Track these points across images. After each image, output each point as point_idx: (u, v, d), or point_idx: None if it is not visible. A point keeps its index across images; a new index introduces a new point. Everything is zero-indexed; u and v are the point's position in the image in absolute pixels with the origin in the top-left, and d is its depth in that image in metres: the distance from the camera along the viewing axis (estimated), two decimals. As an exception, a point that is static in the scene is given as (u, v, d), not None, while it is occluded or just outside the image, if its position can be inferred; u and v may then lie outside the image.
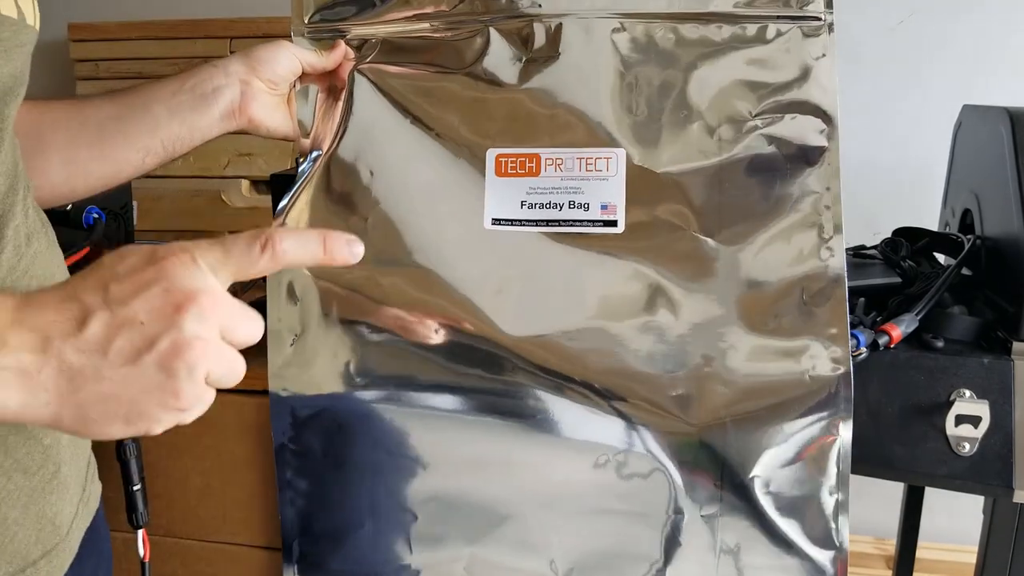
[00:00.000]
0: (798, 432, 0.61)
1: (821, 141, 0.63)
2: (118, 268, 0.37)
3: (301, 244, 0.39)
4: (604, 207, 0.64)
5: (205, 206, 1.34)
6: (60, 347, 0.35)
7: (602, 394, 0.64)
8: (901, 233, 0.87)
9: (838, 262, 0.61)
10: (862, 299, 0.71)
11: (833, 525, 0.62)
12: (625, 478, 0.64)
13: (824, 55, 0.63)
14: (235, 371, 0.39)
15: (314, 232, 0.40)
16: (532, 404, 0.64)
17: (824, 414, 0.61)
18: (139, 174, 0.64)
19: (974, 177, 0.82)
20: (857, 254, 0.87)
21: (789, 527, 0.62)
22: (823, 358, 0.61)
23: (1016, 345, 0.65)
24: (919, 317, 0.68)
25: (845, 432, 0.61)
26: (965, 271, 0.77)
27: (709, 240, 0.63)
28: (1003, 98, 0.90)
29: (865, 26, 1.23)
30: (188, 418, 0.38)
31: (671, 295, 0.63)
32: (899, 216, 0.94)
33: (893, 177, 1.25)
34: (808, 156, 0.63)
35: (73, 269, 0.77)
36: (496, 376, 0.65)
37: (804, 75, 0.63)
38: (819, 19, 0.63)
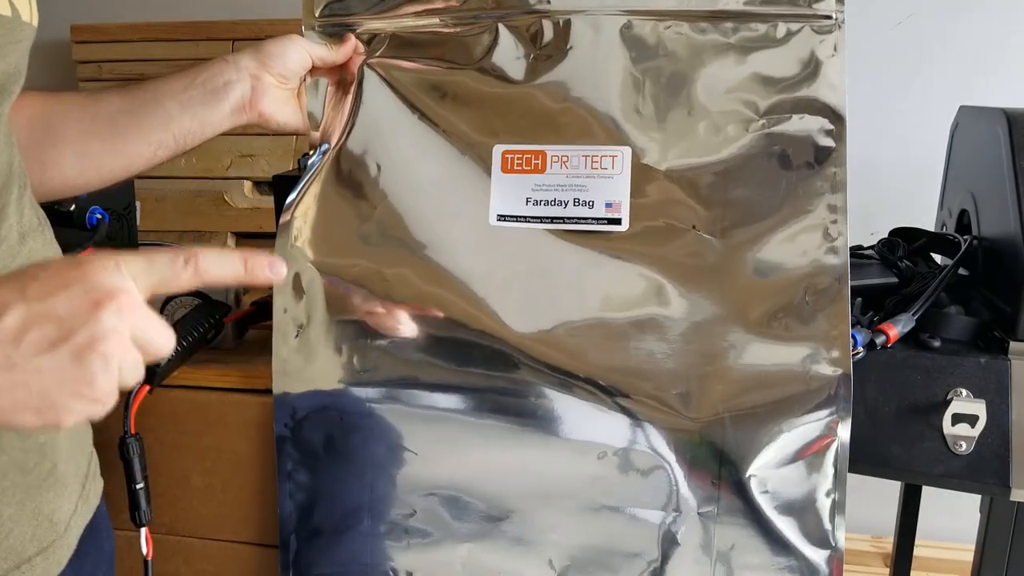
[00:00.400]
0: (796, 432, 0.62)
1: (829, 141, 0.63)
2: (39, 272, 0.38)
3: (222, 261, 0.41)
4: (609, 205, 0.65)
5: (208, 207, 1.35)
6: None
7: (604, 390, 0.64)
8: (898, 233, 0.87)
9: (842, 263, 0.61)
10: (859, 299, 0.72)
11: (829, 526, 0.62)
12: (623, 476, 0.64)
13: (834, 53, 0.63)
14: (136, 375, 0.39)
15: (236, 252, 0.42)
16: (534, 401, 0.65)
17: (823, 415, 0.61)
18: (151, 166, 0.65)
19: (971, 178, 0.82)
20: (854, 254, 0.87)
21: (785, 526, 0.63)
22: (823, 359, 0.61)
23: (1013, 345, 0.66)
24: (916, 317, 0.68)
25: (843, 433, 0.61)
26: (962, 271, 0.78)
27: (713, 239, 0.63)
28: (1001, 99, 0.91)
29: (865, 26, 1.23)
30: (99, 412, 0.38)
31: (674, 293, 0.63)
32: (896, 216, 0.95)
33: (890, 177, 1.26)
34: (816, 156, 0.62)
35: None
36: (498, 372, 0.65)
37: (814, 73, 0.63)
38: (830, 17, 0.63)
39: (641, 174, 0.64)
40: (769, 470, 0.62)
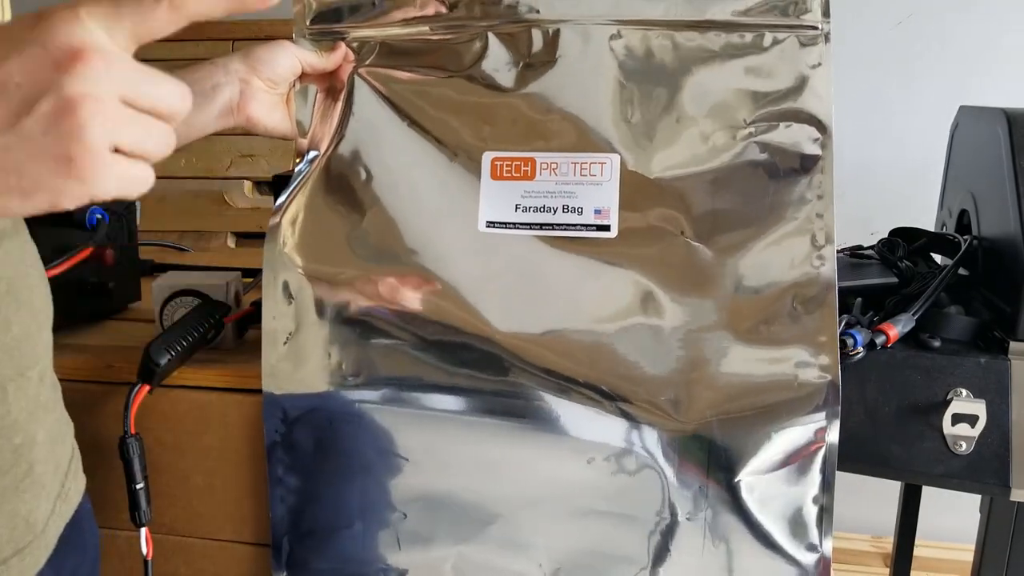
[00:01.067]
0: (785, 438, 0.62)
1: (815, 150, 0.63)
2: None
3: None
4: (597, 212, 0.65)
5: (208, 207, 1.35)
6: None
7: (595, 392, 0.64)
8: (898, 233, 0.87)
9: (829, 270, 0.62)
10: (859, 299, 0.72)
11: (816, 531, 0.63)
12: (614, 480, 0.65)
13: (820, 64, 0.63)
14: (156, 137, 0.35)
15: None
16: (524, 403, 0.65)
17: (811, 421, 0.61)
18: None
19: (971, 178, 0.82)
20: (854, 254, 0.87)
21: (774, 531, 0.63)
22: (812, 365, 0.61)
23: (1013, 345, 0.66)
24: (916, 317, 0.68)
25: (831, 439, 0.62)
26: (962, 271, 0.78)
27: (701, 246, 0.63)
28: (1001, 99, 0.91)
29: (864, 26, 1.23)
30: (98, 189, 0.34)
31: (662, 300, 0.63)
32: (896, 216, 0.95)
33: (890, 177, 1.26)
34: (802, 164, 0.63)
35: (76, 269, 0.78)
36: (488, 376, 0.65)
37: (800, 84, 0.63)
38: (816, 28, 0.64)
39: (630, 181, 0.65)
40: (758, 475, 0.63)
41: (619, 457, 0.64)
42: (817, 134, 0.63)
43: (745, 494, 0.63)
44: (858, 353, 0.65)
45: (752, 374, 0.62)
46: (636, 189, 0.65)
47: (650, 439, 0.64)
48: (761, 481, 0.63)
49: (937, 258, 0.86)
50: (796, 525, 0.63)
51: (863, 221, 0.99)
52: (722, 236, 0.63)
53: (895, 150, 1.27)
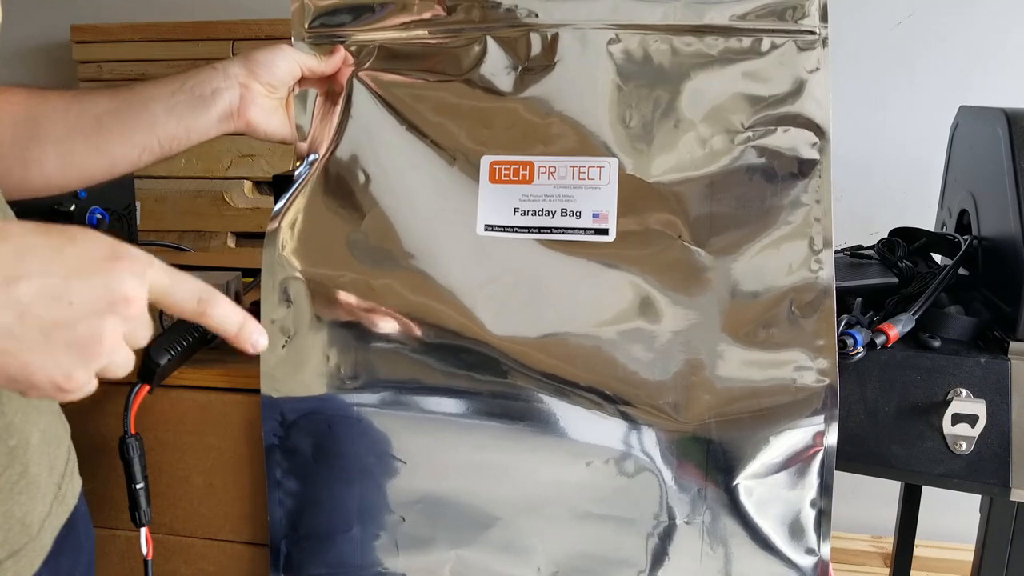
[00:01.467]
0: (783, 442, 0.62)
1: (813, 154, 0.63)
2: (69, 246, 0.38)
3: (227, 318, 0.43)
4: (596, 215, 0.65)
5: (208, 207, 1.35)
6: None
7: (595, 393, 0.64)
8: (898, 233, 0.87)
9: (827, 274, 0.62)
10: (859, 299, 0.71)
11: (815, 535, 0.63)
12: (613, 483, 0.65)
13: (818, 68, 0.64)
14: (128, 366, 0.40)
15: (240, 313, 0.44)
16: (522, 405, 0.65)
17: (809, 425, 0.62)
18: (134, 169, 0.65)
19: (971, 177, 0.82)
20: (854, 254, 0.87)
21: (772, 534, 0.63)
22: (810, 369, 0.61)
23: (1013, 345, 0.66)
24: (916, 317, 0.68)
25: (829, 443, 0.62)
26: (962, 271, 0.78)
27: (699, 250, 0.63)
28: (1001, 99, 0.91)
29: (864, 26, 1.23)
30: (67, 398, 0.39)
31: (660, 304, 0.63)
32: (896, 216, 0.95)
33: (890, 177, 1.26)
34: (800, 169, 0.63)
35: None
36: (486, 378, 0.65)
37: (798, 88, 0.64)
38: (814, 33, 0.64)
39: (628, 185, 0.65)
40: (756, 479, 0.63)
41: (618, 460, 0.64)
42: (815, 139, 0.63)
43: (743, 497, 0.63)
44: (858, 353, 0.65)
45: (750, 378, 0.62)
46: (634, 193, 0.65)
47: (649, 442, 0.64)
48: (759, 485, 0.63)
49: (937, 258, 0.86)
50: (794, 529, 0.63)
51: (863, 221, 0.99)
52: (720, 240, 0.63)
53: (895, 150, 1.27)
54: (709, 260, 0.63)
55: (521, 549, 0.67)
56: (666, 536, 0.64)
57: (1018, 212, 0.67)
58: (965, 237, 0.78)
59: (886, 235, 0.88)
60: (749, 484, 0.63)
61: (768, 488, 0.63)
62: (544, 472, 0.66)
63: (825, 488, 0.62)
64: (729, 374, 0.62)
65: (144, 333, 0.40)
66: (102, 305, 0.37)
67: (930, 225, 0.93)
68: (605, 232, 0.65)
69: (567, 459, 0.65)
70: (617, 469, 0.64)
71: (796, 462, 0.62)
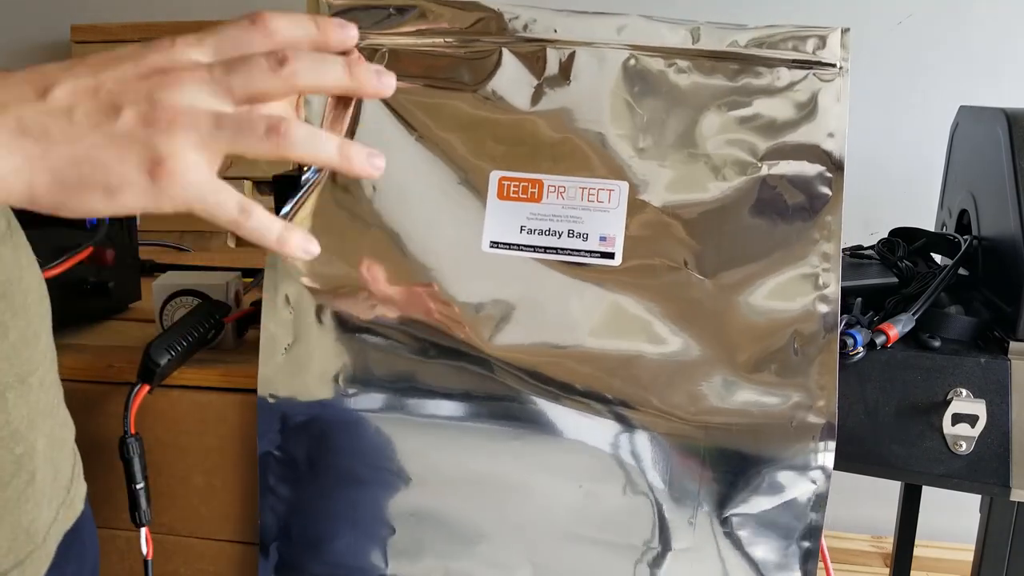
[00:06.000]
0: (776, 478, 0.62)
1: (826, 189, 0.63)
2: (87, 57, 0.35)
3: (323, 70, 0.36)
4: (603, 239, 0.64)
5: (207, 206, 1.34)
6: (18, 111, 0.33)
7: (594, 411, 0.64)
8: (898, 233, 0.87)
9: (832, 312, 0.62)
10: (859, 299, 0.71)
11: (800, 572, 0.63)
12: (605, 507, 0.65)
13: (837, 101, 0.63)
14: (246, 125, 0.35)
15: (335, 139, 0.37)
16: (517, 413, 0.65)
17: (804, 463, 0.62)
18: None
19: (971, 177, 0.82)
20: (854, 254, 0.87)
21: (761, 568, 0.63)
22: (808, 408, 0.61)
23: (1013, 344, 0.66)
24: (916, 317, 0.68)
25: (822, 483, 0.62)
26: (962, 271, 0.78)
27: (705, 280, 0.63)
28: (1000, 99, 0.91)
29: (864, 26, 1.23)
30: (183, 192, 0.35)
31: (662, 331, 0.63)
32: (896, 216, 0.95)
33: (890, 177, 1.26)
34: (812, 203, 0.63)
35: (76, 269, 0.78)
36: (484, 390, 0.65)
37: (815, 122, 0.63)
38: (834, 66, 0.63)
39: (637, 209, 0.64)
40: (748, 512, 0.63)
41: (611, 485, 0.64)
42: (829, 173, 0.63)
43: (734, 530, 0.63)
44: (858, 353, 0.65)
45: (749, 412, 0.62)
46: (643, 218, 0.64)
47: (643, 468, 0.64)
48: (751, 518, 0.63)
49: (937, 258, 0.86)
50: (783, 563, 0.63)
51: (863, 221, 0.99)
52: (726, 271, 0.63)
53: (896, 149, 1.27)
54: (714, 291, 0.63)
55: (511, 566, 0.67)
56: (656, 563, 0.65)
57: (1018, 212, 0.67)
58: (965, 237, 0.78)
59: (886, 235, 0.88)
60: (740, 517, 0.63)
61: (759, 522, 0.63)
62: (538, 491, 0.66)
63: (814, 528, 0.63)
64: (727, 406, 0.62)
65: (227, 76, 0.35)
66: (138, 81, 0.34)
67: (930, 225, 0.93)
68: (611, 256, 0.64)
69: (562, 480, 0.65)
70: (610, 494, 0.64)
71: (788, 498, 0.62)
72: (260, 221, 0.36)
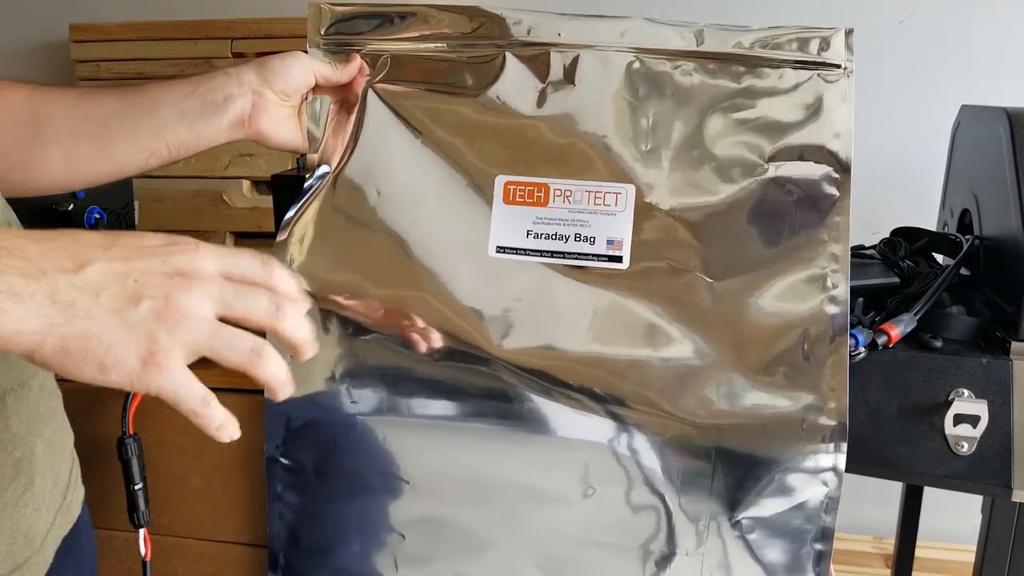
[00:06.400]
0: (788, 480, 0.62)
1: (833, 190, 0.63)
2: (126, 237, 0.40)
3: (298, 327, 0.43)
4: (610, 242, 0.64)
5: (206, 206, 1.34)
6: (55, 280, 0.37)
7: (601, 415, 0.64)
8: (900, 233, 0.87)
9: (841, 313, 0.61)
10: (860, 299, 0.71)
11: (813, 574, 0.63)
12: (613, 511, 0.64)
13: (842, 102, 0.63)
14: (237, 345, 0.41)
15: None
16: (526, 417, 0.64)
17: (816, 466, 0.61)
18: (139, 173, 0.64)
19: (972, 177, 0.82)
20: (856, 254, 0.87)
21: (772, 572, 0.63)
22: (819, 410, 0.61)
23: (1015, 345, 0.65)
24: (917, 317, 0.68)
25: (834, 485, 0.61)
26: (963, 271, 0.78)
27: (713, 283, 0.63)
28: (1002, 98, 0.90)
29: (865, 26, 1.23)
30: (166, 384, 0.39)
31: (671, 334, 0.63)
32: (898, 216, 0.94)
33: (892, 177, 1.25)
34: (818, 204, 0.62)
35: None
36: (492, 394, 0.65)
37: (821, 122, 0.63)
38: (839, 66, 0.63)
39: (644, 212, 0.64)
40: (758, 515, 0.63)
41: (620, 488, 0.64)
42: (836, 174, 0.63)
43: (745, 534, 0.63)
44: (860, 353, 0.65)
45: (759, 414, 0.62)
46: (650, 220, 0.64)
47: (652, 471, 0.63)
48: (762, 521, 0.63)
49: (939, 258, 0.86)
50: (794, 566, 0.63)
51: (864, 221, 0.99)
52: (735, 273, 0.63)
53: (897, 149, 1.27)
54: (722, 293, 0.63)
55: (520, 571, 0.66)
56: (665, 567, 0.64)
57: (1020, 211, 0.67)
58: (967, 237, 0.78)
59: (888, 235, 0.88)
60: (752, 520, 0.63)
61: (771, 525, 0.62)
62: (546, 496, 0.65)
63: (827, 530, 0.62)
64: (737, 408, 0.62)
65: (231, 296, 0.40)
66: (162, 278, 0.39)
67: (932, 225, 0.93)
68: (619, 260, 0.64)
69: (569, 484, 0.64)
70: (619, 497, 0.64)
71: (800, 501, 0.62)
72: (213, 413, 0.42)
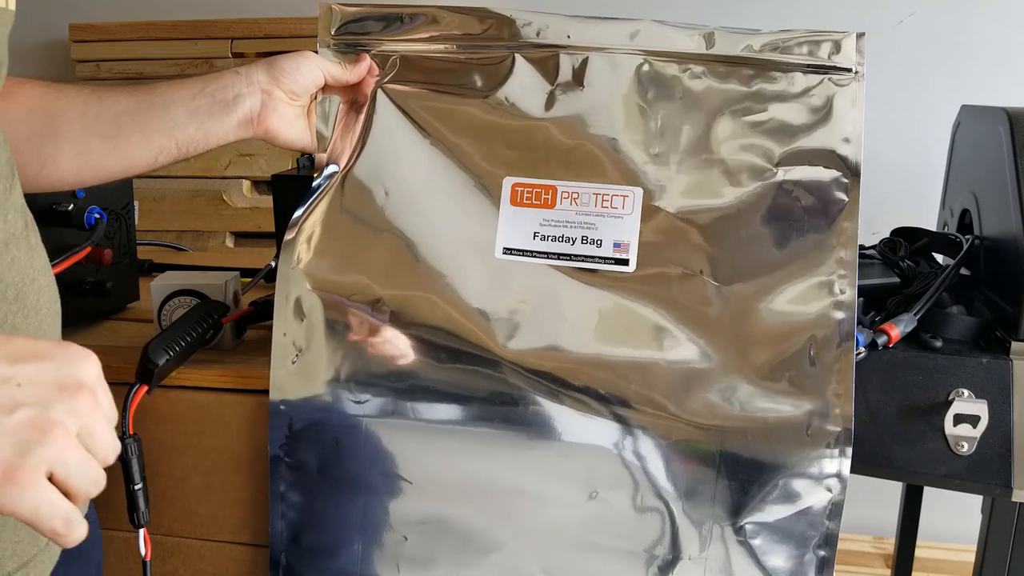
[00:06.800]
0: (792, 486, 0.62)
1: (841, 195, 0.62)
2: (20, 338, 0.38)
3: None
4: (617, 245, 0.64)
5: (206, 206, 1.34)
6: None
7: (606, 417, 0.64)
8: (900, 233, 0.87)
9: (848, 319, 0.61)
10: (861, 299, 0.71)
11: None
12: (617, 514, 0.64)
13: (853, 106, 0.63)
14: (89, 476, 0.38)
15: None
16: (531, 418, 0.64)
17: (820, 471, 0.61)
18: (150, 170, 0.64)
19: (972, 177, 0.82)
20: (856, 254, 0.87)
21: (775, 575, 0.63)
22: (825, 416, 0.61)
23: (1014, 345, 0.65)
24: (918, 317, 0.68)
25: (838, 491, 0.61)
26: (964, 271, 0.78)
27: (720, 286, 0.63)
28: (1002, 98, 0.90)
29: (865, 26, 1.23)
30: (24, 502, 0.36)
31: (678, 337, 0.63)
32: (898, 216, 0.94)
33: (892, 177, 1.26)
34: (827, 210, 0.62)
35: (74, 269, 0.78)
36: (496, 397, 0.65)
37: (830, 126, 0.63)
38: (849, 70, 0.63)
39: (651, 215, 0.64)
40: (761, 521, 0.62)
41: (624, 492, 0.64)
42: (845, 179, 0.62)
43: (748, 538, 0.63)
44: (860, 353, 0.64)
45: (764, 419, 0.61)
46: (657, 224, 0.64)
47: (657, 475, 0.63)
48: (766, 526, 0.62)
49: (939, 258, 0.86)
50: (797, 573, 0.63)
51: (865, 221, 0.99)
52: (742, 278, 0.63)
53: (897, 149, 1.27)
54: (729, 297, 0.62)
55: (523, 574, 0.66)
56: (668, 571, 0.64)
57: (1020, 211, 0.67)
58: (967, 237, 0.78)
59: (888, 235, 0.88)
60: (755, 525, 0.62)
61: (774, 530, 0.62)
62: (550, 499, 0.65)
63: (830, 536, 0.62)
64: (743, 413, 0.62)
65: (102, 442, 0.38)
66: (51, 390, 0.36)
67: (932, 225, 0.93)
68: (626, 263, 0.64)
69: (573, 487, 0.64)
70: (623, 501, 0.64)
71: (804, 507, 0.62)
72: (78, 535, 0.39)
